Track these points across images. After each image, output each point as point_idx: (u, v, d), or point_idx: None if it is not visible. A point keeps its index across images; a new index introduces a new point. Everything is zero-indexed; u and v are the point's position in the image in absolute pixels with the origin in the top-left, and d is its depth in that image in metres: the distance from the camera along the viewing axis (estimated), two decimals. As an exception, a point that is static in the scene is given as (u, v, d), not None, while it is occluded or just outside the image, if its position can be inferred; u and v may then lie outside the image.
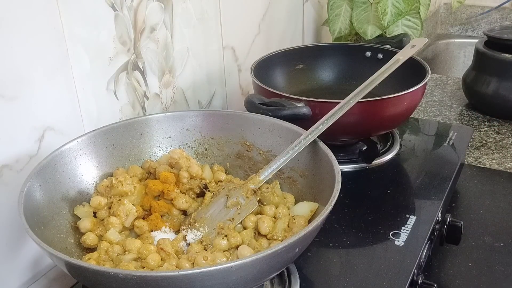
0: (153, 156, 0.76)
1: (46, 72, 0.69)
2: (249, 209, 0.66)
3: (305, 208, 0.66)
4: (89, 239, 0.64)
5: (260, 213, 0.68)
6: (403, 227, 0.76)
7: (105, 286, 0.53)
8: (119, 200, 0.67)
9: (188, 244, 0.64)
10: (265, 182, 0.68)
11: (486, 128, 1.21)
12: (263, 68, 1.01)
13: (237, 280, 0.51)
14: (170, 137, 0.76)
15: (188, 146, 0.77)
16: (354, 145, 0.95)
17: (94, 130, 0.71)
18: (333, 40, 1.32)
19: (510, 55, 1.20)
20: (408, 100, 0.87)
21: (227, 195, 0.68)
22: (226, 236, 0.63)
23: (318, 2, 1.40)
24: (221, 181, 0.73)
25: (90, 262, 0.60)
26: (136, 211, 0.67)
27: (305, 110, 0.80)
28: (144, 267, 0.59)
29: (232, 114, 0.77)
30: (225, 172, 0.75)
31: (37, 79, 0.67)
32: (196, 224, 0.66)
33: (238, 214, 0.66)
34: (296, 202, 0.69)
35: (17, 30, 0.64)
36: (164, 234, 0.66)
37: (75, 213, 0.66)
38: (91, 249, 0.64)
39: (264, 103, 0.81)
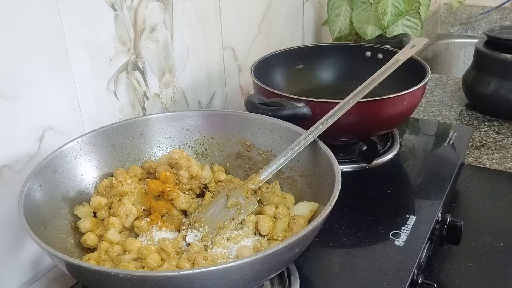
0: (153, 156, 0.76)
1: (46, 72, 0.69)
2: (249, 209, 0.66)
3: (305, 208, 0.66)
4: (89, 239, 0.64)
5: (260, 213, 0.68)
6: (403, 227, 0.76)
7: (105, 286, 0.53)
8: (119, 200, 0.67)
9: (188, 244, 0.64)
10: (265, 182, 0.68)
11: (486, 128, 1.21)
12: (263, 68, 1.01)
13: (237, 280, 0.51)
14: (170, 137, 0.76)
15: (188, 146, 0.77)
16: (354, 145, 0.96)
17: (94, 130, 0.71)
18: (333, 40, 1.32)
19: (510, 55, 1.20)
20: (408, 100, 0.87)
21: (227, 195, 0.68)
22: (226, 236, 0.63)
23: (318, 2, 1.40)
24: (221, 181, 0.73)
25: (90, 262, 0.60)
26: (136, 211, 0.67)
27: (305, 110, 0.80)
28: (144, 267, 0.59)
29: (232, 114, 0.77)
30: (225, 172, 0.75)
31: (37, 79, 0.67)
32: (196, 224, 0.66)
33: (238, 214, 0.66)
34: (296, 202, 0.69)
35: (17, 29, 0.64)
36: (164, 234, 0.66)
37: (75, 213, 0.66)
38: (91, 249, 0.64)
39: (264, 103, 0.81)
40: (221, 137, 0.77)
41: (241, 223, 0.66)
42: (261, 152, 0.74)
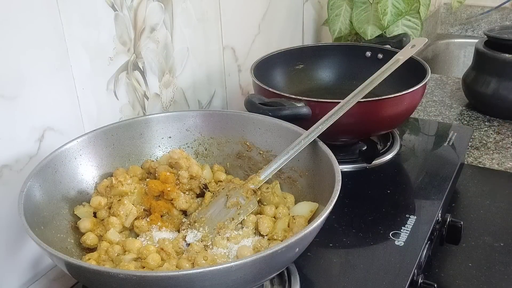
0: (153, 156, 0.76)
1: (46, 72, 0.69)
2: (249, 209, 0.66)
3: (305, 208, 0.66)
4: (89, 239, 0.64)
5: (260, 213, 0.68)
6: (403, 227, 0.76)
7: (105, 286, 0.53)
8: (119, 200, 0.67)
9: (188, 244, 0.64)
10: (265, 182, 0.68)
11: (486, 128, 1.21)
12: (263, 68, 1.01)
13: (237, 280, 0.51)
14: (170, 137, 0.76)
15: (188, 146, 0.77)
16: (354, 145, 0.96)
17: (94, 130, 0.71)
18: (333, 40, 1.32)
19: (510, 55, 1.20)
20: (408, 100, 0.87)
21: (227, 195, 0.68)
22: (226, 236, 0.63)
23: (318, 2, 1.40)
24: (221, 181, 0.73)
25: (90, 262, 0.60)
26: (136, 211, 0.67)
27: (305, 110, 0.80)
28: (144, 267, 0.59)
29: (232, 114, 0.77)
30: (225, 172, 0.75)
31: (37, 79, 0.67)
32: (196, 224, 0.66)
33: (238, 214, 0.66)
34: (296, 202, 0.69)
35: (17, 30, 0.64)
36: (164, 234, 0.66)
37: (75, 213, 0.66)
38: (91, 249, 0.64)
39: (264, 103, 0.81)
40: (221, 137, 0.76)
41: (241, 223, 0.66)
42: (261, 152, 0.74)
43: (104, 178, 0.70)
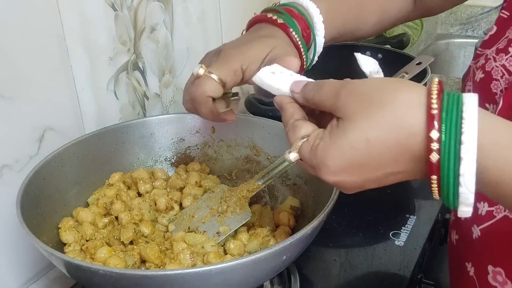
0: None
1: (46, 72, 0.69)
2: (242, 221, 0.65)
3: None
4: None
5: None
6: (403, 227, 0.76)
7: (104, 285, 0.53)
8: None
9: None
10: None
11: (486, 128, 1.20)
12: (263, 68, 1.00)
13: (219, 285, 0.50)
14: (181, 139, 0.76)
15: (198, 148, 0.77)
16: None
17: (96, 130, 0.71)
18: (333, 40, 1.32)
19: (510, 55, 1.20)
20: (408, 100, 0.87)
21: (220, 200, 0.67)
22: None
23: (318, 2, 1.40)
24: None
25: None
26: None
27: (305, 110, 0.80)
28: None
29: (243, 118, 0.76)
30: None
31: (37, 79, 0.67)
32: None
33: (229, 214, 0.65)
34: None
35: (17, 30, 0.64)
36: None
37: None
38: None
39: (264, 103, 0.81)
40: (231, 140, 0.76)
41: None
42: (270, 157, 0.74)
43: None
